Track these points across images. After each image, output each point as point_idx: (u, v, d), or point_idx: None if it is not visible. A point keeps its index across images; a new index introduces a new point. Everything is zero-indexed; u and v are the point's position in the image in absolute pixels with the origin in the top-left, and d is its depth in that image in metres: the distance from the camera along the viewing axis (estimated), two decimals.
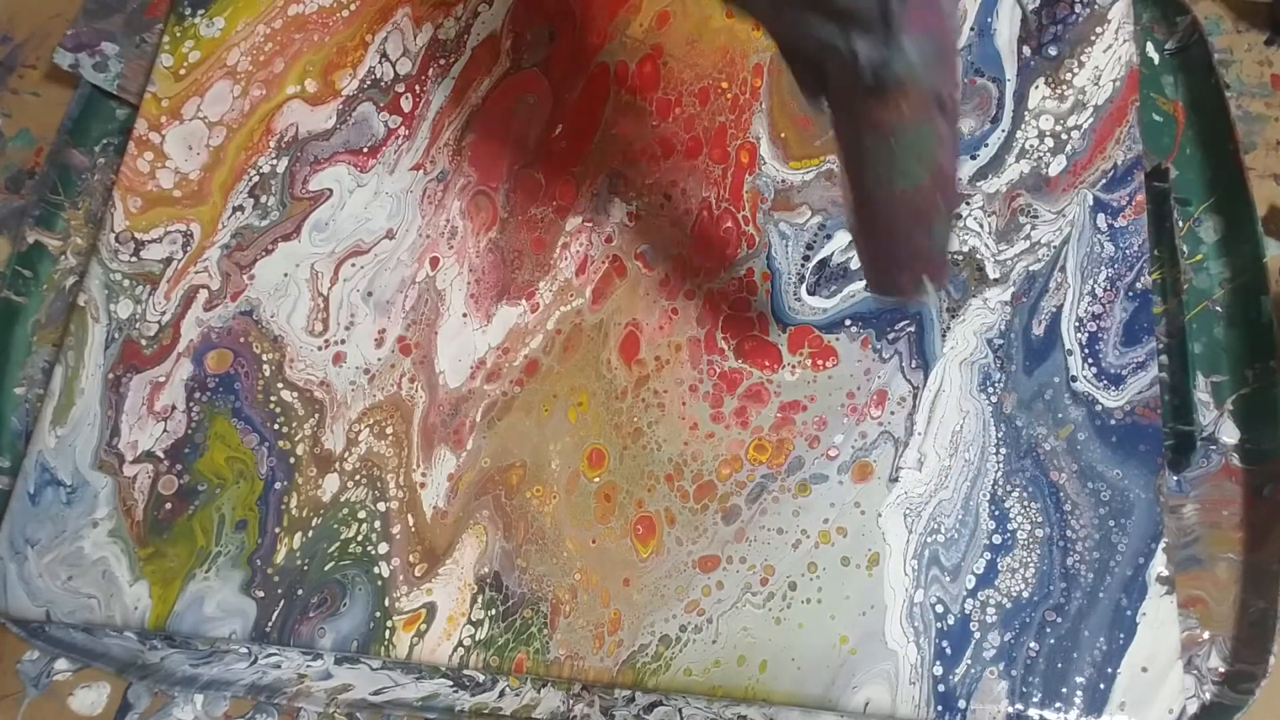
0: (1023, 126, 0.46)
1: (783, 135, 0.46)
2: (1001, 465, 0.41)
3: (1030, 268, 0.43)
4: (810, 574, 0.39)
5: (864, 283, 0.43)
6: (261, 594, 0.39)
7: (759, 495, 0.41)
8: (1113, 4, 0.48)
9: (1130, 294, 0.43)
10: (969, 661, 0.38)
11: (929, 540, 0.40)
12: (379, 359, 0.42)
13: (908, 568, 0.39)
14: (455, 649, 0.39)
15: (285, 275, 0.43)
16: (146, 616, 0.39)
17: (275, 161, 0.45)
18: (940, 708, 0.38)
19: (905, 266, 0.31)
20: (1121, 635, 0.38)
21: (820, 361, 0.42)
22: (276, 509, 0.40)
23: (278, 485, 0.40)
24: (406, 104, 0.46)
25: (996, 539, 0.40)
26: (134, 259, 0.43)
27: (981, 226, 0.44)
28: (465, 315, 0.43)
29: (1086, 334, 0.42)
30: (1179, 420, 0.43)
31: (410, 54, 0.47)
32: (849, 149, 0.29)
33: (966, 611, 0.39)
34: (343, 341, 0.42)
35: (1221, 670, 0.40)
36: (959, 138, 0.31)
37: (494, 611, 0.39)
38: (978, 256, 0.44)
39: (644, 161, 0.45)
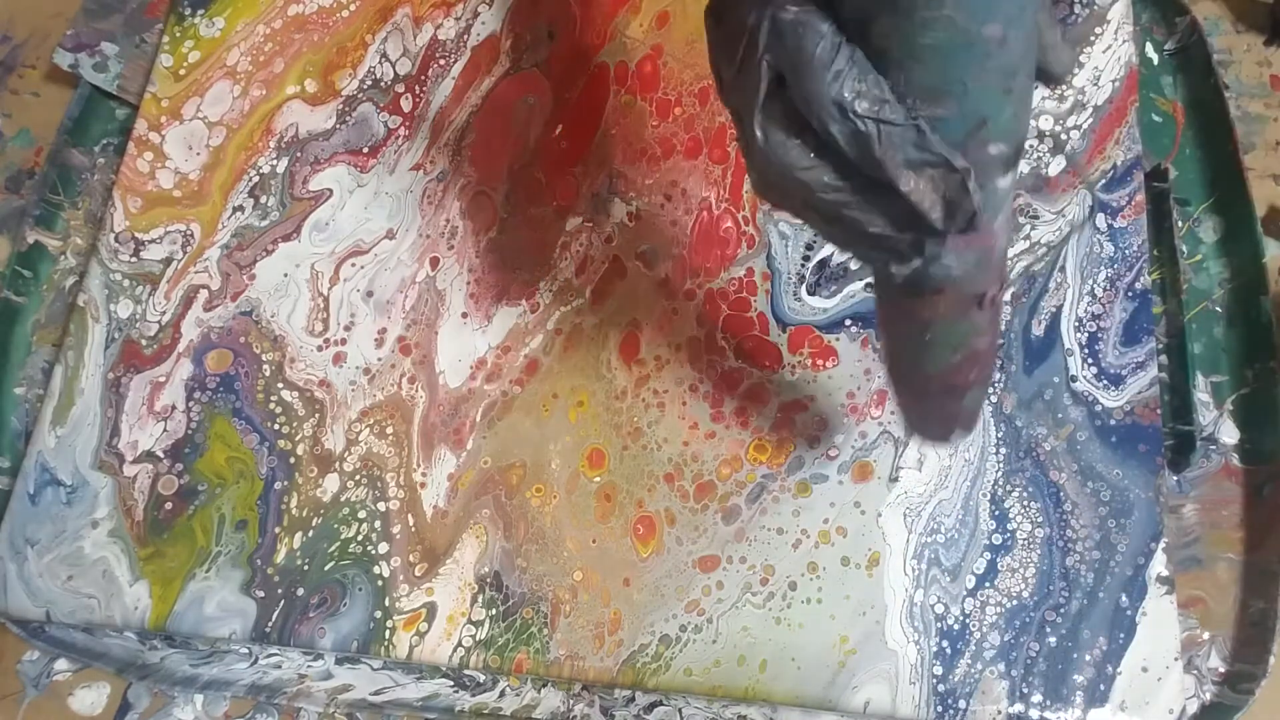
0: None
1: None
2: (1001, 465, 0.41)
3: (1030, 268, 0.43)
4: (810, 574, 0.39)
5: (864, 283, 0.44)
6: (261, 594, 0.39)
7: (759, 495, 0.41)
8: (1112, 4, 0.48)
9: (1130, 294, 0.43)
10: (969, 661, 0.38)
11: (929, 540, 0.40)
12: (379, 359, 0.42)
13: (908, 568, 0.39)
14: (455, 649, 0.39)
15: (285, 275, 0.43)
16: (146, 616, 0.38)
17: (275, 161, 0.45)
18: (940, 708, 0.38)
19: (936, 424, 0.32)
20: (1121, 635, 0.38)
21: (820, 361, 0.42)
22: (276, 509, 0.40)
23: (278, 485, 0.40)
24: (406, 104, 0.46)
25: (996, 539, 0.40)
26: (134, 259, 0.43)
27: None
28: (465, 315, 0.43)
29: (1086, 334, 0.42)
30: (1179, 420, 0.43)
31: (410, 54, 0.47)
32: (883, 324, 0.29)
33: (966, 611, 0.39)
34: (343, 341, 0.42)
35: (1221, 670, 0.40)
36: (1000, 322, 0.30)
37: (494, 611, 0.39)
38: None
39: (644, 161, 0.45)
